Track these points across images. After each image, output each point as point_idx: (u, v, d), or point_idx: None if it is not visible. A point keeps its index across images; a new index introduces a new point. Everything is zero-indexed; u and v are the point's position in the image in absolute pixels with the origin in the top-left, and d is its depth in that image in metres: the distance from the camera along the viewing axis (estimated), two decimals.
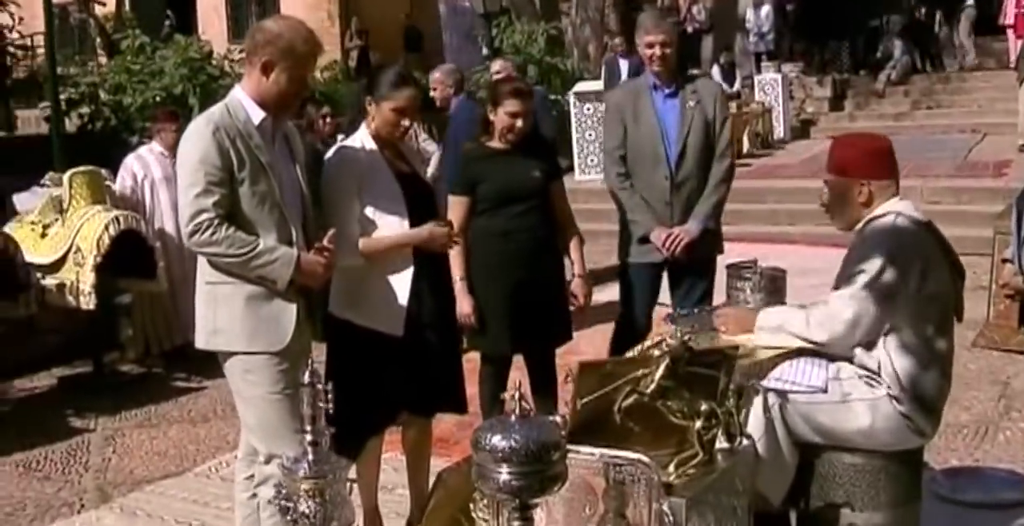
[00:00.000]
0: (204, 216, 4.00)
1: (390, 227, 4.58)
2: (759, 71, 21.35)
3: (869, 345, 3.78)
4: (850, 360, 3.83)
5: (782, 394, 3.63)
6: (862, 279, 3.71)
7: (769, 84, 19.47)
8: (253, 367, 4.18)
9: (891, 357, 3.72)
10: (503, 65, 10.29)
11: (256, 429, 4.26)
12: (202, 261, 4.21)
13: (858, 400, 3.71)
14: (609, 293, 9.86)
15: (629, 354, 3.84)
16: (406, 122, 4.63)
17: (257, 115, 4.16)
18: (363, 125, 4.68)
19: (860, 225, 3.93)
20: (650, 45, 5.80)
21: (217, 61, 12.42)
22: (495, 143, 5.39)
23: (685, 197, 5.77)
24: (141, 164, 8.46)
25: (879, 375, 3.73)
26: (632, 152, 5.85)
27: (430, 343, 4.67)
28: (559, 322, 5.54)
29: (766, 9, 22.98)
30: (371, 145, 4.62)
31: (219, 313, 4.19)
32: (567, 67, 17.82)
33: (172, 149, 8.36)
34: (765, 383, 3.62)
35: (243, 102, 4.18)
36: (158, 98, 11.43)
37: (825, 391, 3.68)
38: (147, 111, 11.07)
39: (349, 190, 4.53)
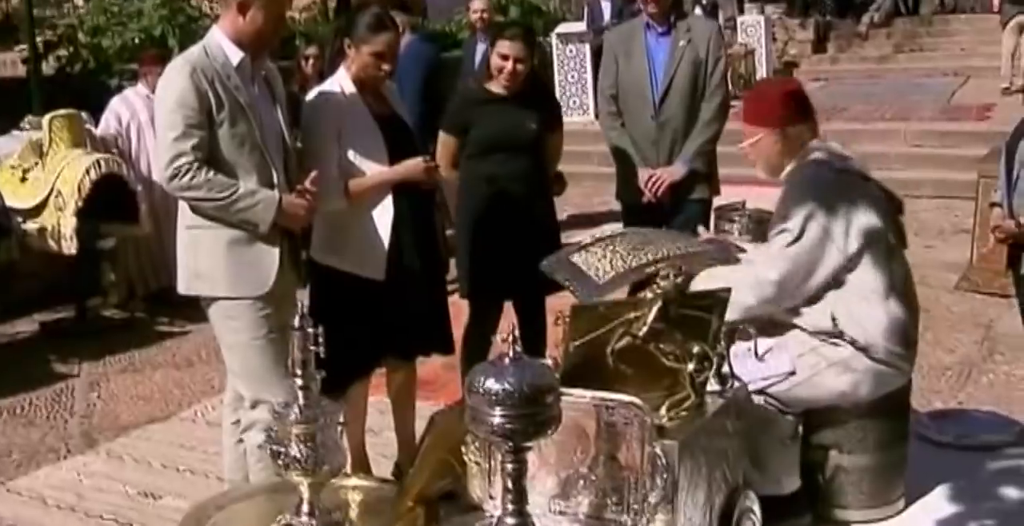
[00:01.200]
0: (183, 160, 3.95)
1: (371, 170, 4.53)
2: (741, 12, 21.25)
3: (814, 303, 3.66)
4: (801, 327, 3.75)
5: (760, 393, 3.56)
6: (784, 238, 3.61)
7: (751, 26, 19.35)
8: (235, 312, 4.15)
9: (845, 308, 3.62)
10: (481, 3, 10.16)
11: (241, 374, 4.25)
12: (182, 206, 4.17)
13: (829, 366, 3.65)
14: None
15: None
16: (386, 66, 4.55)
17: (235, 55, 4.10)
18: (342, 68, 4.62)
19: (784, 174, 3.86)
20: None
21: (196, 2, 12.29)
22: (495, 87, 5.31)
23: (670, 137, 5.74)
24: (127, 106, 8.39)
25: (840, 331, 3.67)
26: (622, 91, 5.86)
27: (414, 285, 4.64)
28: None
29: None
30: (350, 88, 4.56)
31: (200, 258, 4.15)
32: (549, 8, 17.69)
33: None
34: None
35: (221, 43, 4.12)
36: (137, 40, 11.28)
37: (794, 373, 3.62)
38: (126, 53, 10.95)
39: (328, 134, 4.48)
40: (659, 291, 2.81)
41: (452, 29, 16.25)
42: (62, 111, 7.90)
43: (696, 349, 2.83)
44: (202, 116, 3.97)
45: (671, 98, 5.73)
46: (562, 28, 15.74)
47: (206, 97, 3.97)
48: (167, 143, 3.98)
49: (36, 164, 7.59)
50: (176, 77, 4.01)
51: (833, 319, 3.64)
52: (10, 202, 7.26)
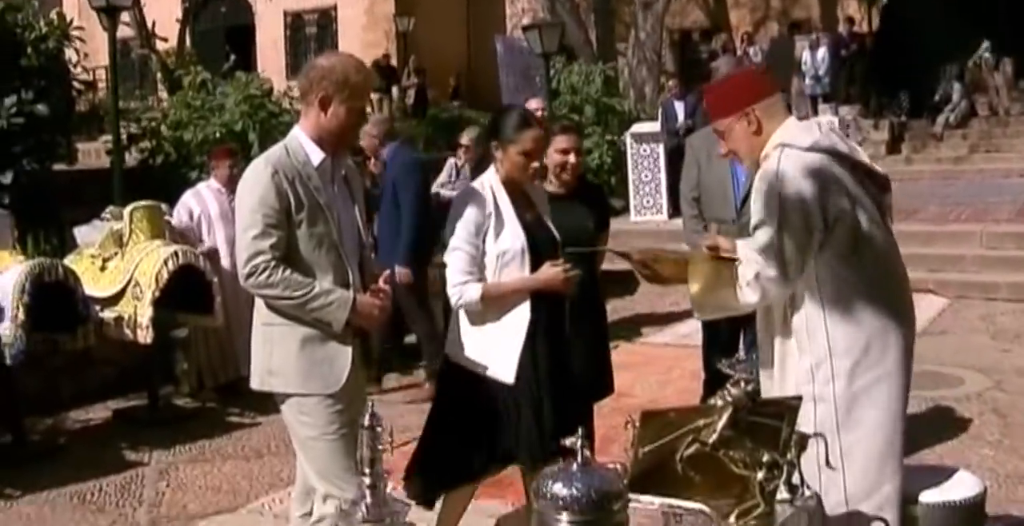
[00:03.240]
0: (261, 258, 4.03)
1: (510, 274, 4.52)
2: (815, 113, 21.29)
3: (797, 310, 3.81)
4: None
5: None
6: (767, 231, 3.70)
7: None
8: (307, 408, 4.19)
9: (818, 286, 3.76)
10: (538, 103, 10.27)
11: (313, 469, 4.26)
12: (259, 302, 4.23)
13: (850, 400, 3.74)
14: (665, 336, 9.86)
15: None
16: (535, 164, 4.60)
17: (316, 156, 4.18)
18: (491, 168, 4.65)
19: (760, 159, 3.90)
20: None
21: (277, 98, 12.52)
22: (550, 187, 5.27)
23: None
24: (198, 200, 8.55)
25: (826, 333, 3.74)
26: (704, 194, 5.97)
27: (546, 392, 4.56)
28: (601, 378, 5.44)
29: (822, 52, 22.96)
30: (499, 189, 4.58)
31: (274, 354, 4.21)
32: (624, 108, 17.82)
33: (228, 185, 8.47)
34: None
35: (303, 143, 4.20)
36: (218, 134, 11.51)
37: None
38: (207, 147, 11.17)
39: (471, 230, 4.49)
40: (729, 399, 2.81)
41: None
42: (143, 202, 8.07)
43: (766, 457, 2.81)
44: (281, 216, 4.05)
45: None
46: (636, 128, 15.86)
47: (286, 197, 4.05)
48: (246, 241, 4.06)
49: (116, 254, 7.73)
50: (258, 177, 4.10)
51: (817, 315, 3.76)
52: (89, 290, 7.37)
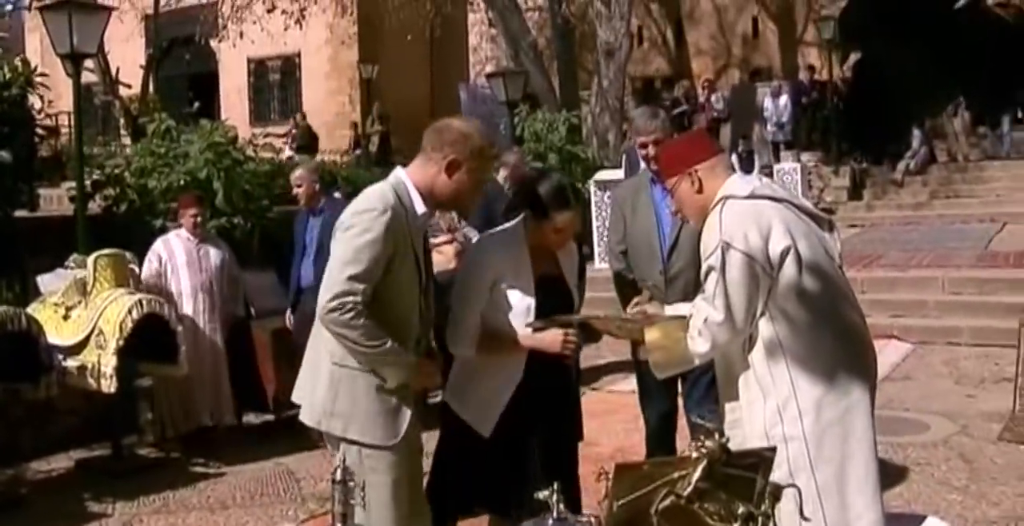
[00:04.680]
0: (351, 299, 3.98)
1: (511, 327, 4.48)
2: (777, 160, 21.47)
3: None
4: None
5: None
6: (713, 276, 3.83)
7: (787, 173, 19.54)
8: (367, 454, 4.14)
9: (772, 325, 3.82)
10: (517, 157, 10.09)
11: (373, 513, 4.18)
12: (328, 339, 4.14)
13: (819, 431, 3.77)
14: (630, 383, 9.83)
15: None
16: (565, 240, 4.61)
17: (420, 208, 4.18)
18: (521, 218, 4.59)
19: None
20: (643, 145, 5.74)
21: (241, 145, 12.46)
22: None
23: (680, 292, 5.47)
24: (166, 247, 8.49)
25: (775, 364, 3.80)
26: (630, 247, 5.80)
27: (531, 448, 4.50)
28: (570, 423, 5.37)
29: (784, 99, 23.20)
30: (522, 241, 4.54)
31: (340, 396, 4.15)
32: (587, 155, 17.88)
33: (193, 232, 8.45)
34: None
35: (410, 191, 4.19)
36: (183, 182, 11.44)
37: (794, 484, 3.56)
38: (170, 195, 11.10)
39: (486, 280, 4.47)
40: (704, 450, 2.80)
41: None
42: (107, 250, 8.03)
43: (741, 509, 2.80)
44: (383, 262, 4.03)
45: (679, 252, 5.61)
46: (600, 175, 15.91)
47: (391, 244, 4.04)
48: (342, 277, 4.00)
49: (79, 302, 7.68)
50: (377, 216, 4.04)
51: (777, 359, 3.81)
52: (52, 339, 7.32)
